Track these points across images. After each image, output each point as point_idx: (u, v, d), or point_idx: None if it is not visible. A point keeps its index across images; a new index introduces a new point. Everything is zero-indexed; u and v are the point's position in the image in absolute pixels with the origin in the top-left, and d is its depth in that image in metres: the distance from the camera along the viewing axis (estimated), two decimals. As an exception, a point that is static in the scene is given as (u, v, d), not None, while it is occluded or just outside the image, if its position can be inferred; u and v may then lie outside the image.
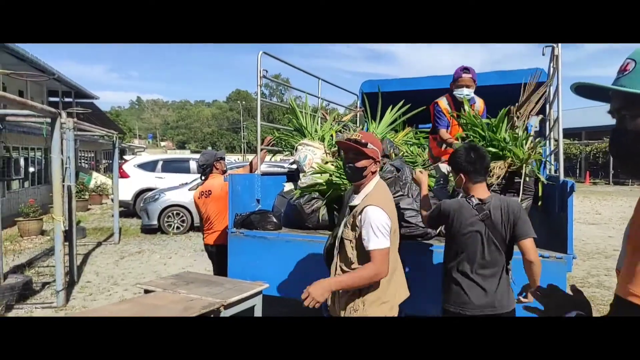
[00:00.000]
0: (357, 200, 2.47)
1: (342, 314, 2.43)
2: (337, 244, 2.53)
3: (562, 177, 3.23)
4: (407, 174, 3.49)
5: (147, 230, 10.22)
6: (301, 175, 4.21)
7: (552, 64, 3.69)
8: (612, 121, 1.16)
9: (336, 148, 3.84)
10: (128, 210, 12.19)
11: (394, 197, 3.35)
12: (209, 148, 51.55)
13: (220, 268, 4.16)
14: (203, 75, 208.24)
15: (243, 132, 68.47)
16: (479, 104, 4.26)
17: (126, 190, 11.73)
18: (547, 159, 4.36)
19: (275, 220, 3.78)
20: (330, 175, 3.81)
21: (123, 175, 11.77)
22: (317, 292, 2.25)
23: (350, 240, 2.41)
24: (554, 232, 3.15)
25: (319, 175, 3.92)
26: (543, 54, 3.69)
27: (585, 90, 1.16)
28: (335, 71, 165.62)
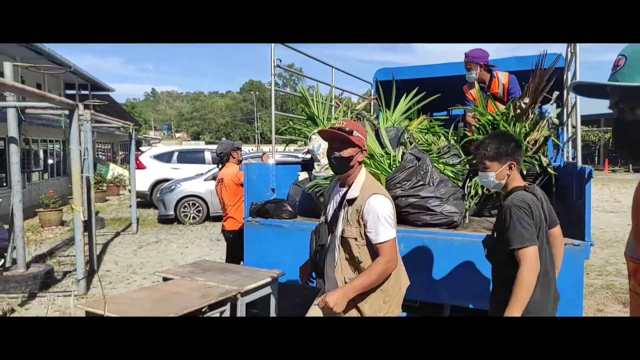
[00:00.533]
0: (354, 192, 2.29)
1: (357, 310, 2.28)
2: (336, 244, 2.33)
3: (579, 164, 3.19)
4: (427, 163, 3.47)
5: (164, 220, 10.37)
6: (315, 164, 4.23)
7: (569, 49, 3.63)
8: None
9: None
10: (145, 200, 12.37)
11: (415, 187, 3.36)
12: (224, 139, 51.98)
13: (232, 253, 4.28)
14: (216, 66, 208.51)
15: (257, 122, 68.66)
16: (503, 79, 4.30)
17: (143, 181, 11.89)
18: (564, 146, 4.30)
19: (290, 209, 3.81)
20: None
21: (140, 166, 11.93)
22: (333, 302, 2.15)
23: (356, 238, 2.25)
24: (572, 220, 3.11)
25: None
26: None
27: (584, 89, 1.20)
28: (349, 60, 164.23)
